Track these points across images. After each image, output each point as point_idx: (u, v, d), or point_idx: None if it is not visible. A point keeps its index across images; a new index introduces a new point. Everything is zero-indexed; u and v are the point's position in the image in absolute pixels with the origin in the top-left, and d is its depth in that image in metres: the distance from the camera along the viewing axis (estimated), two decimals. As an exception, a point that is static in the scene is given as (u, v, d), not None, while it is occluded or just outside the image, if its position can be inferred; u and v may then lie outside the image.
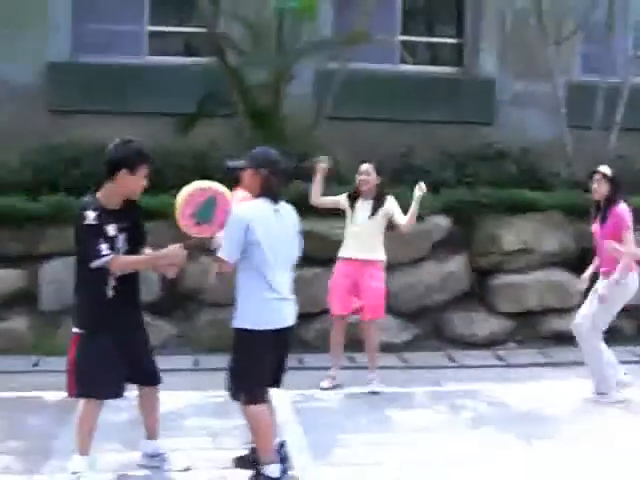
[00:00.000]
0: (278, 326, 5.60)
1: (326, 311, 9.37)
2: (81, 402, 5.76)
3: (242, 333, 5.62)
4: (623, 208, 7.75)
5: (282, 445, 5.87)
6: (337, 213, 9.37)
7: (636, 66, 11.89)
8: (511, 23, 12.64)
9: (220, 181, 5.85)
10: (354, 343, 8.56)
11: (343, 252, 8.21)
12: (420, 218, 9.75)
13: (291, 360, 8.88)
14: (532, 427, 7.05)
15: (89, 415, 5.73)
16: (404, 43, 13.05)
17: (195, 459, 6.19)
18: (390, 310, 9.69)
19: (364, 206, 8.15)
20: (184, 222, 5.61)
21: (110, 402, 5.86)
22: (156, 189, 9.38)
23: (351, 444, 6.61)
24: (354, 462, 6.15)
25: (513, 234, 10.11)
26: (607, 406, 7.71)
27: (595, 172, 7.83)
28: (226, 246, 5.52)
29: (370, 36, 10.88)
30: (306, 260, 9.41)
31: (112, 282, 5.60)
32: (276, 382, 5.87)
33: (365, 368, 8.34)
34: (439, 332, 9.99)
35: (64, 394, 6.84)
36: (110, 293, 5.61)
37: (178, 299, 9.64)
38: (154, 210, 9.20)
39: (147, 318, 9.17)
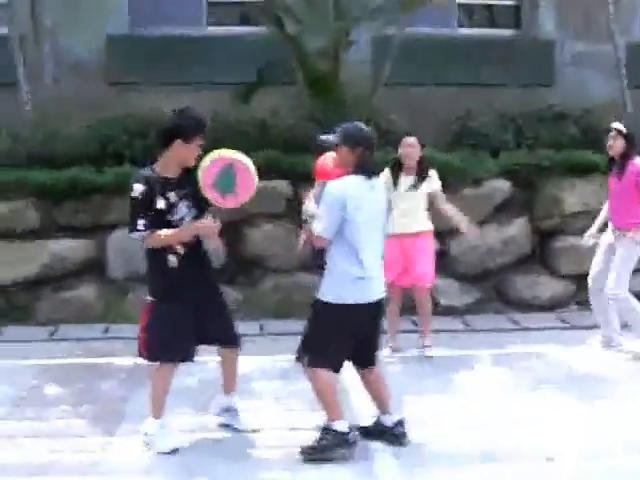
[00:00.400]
0: (362, 301, 5.61)
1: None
2: (154, 366, 5.92)
3: (323, 305, 5.65)
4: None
5: (400, 423, 5.96)
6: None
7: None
8: (569, -18, 12.55)
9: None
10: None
11: (390, 227, 8.16)
12: (479, 182, 9.82)
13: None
14: (595, 389, 7.07)
15: (161, 378, 5.88)
16: (461, 6, 13.00)
17: (263, 421, 6.35)
18: (452, 274, 9.79)
19: (407, 180, 8.04)
20: (209, 194, 5.66)
21: (181, 367, 6.00)
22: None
23: (413, 406, 6.67)
24: (416, 424, 6.22)
25: (575, 196, 10.07)
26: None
27: (610, 129, 8.06)
28: (324, 222, 5.52)
29: (428, -1, 10.84)
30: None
31: (179, 250, 5.71)
32: (367, 361, 5.92)
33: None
34: (501, 295, 10.02)
35: (134, 360, 7.07)
36: (172, 262, 5.70)
37: (242, 265, 9.78)
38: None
39: (213, 285, 9.42)
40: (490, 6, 13.55)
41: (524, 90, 11.74)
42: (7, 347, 8.60)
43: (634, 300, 8.06)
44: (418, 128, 10.35)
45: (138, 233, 5.64)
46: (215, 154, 5.72)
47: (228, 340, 6.14)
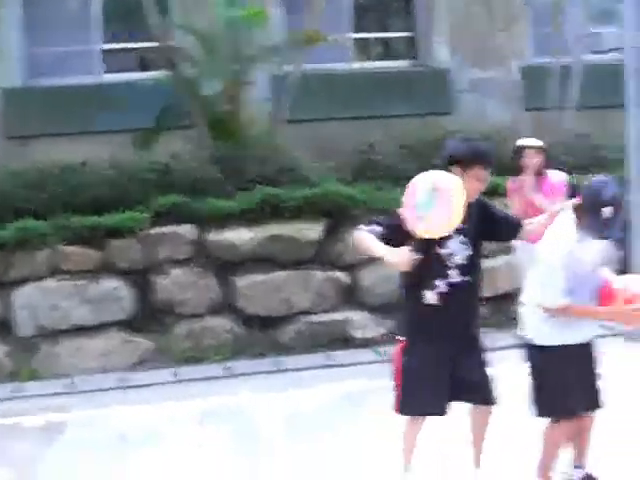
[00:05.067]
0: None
1: (301, 313, 9.49)
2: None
3: None
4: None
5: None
6: (304, 217, 9.49)
7: (586, 44, 12.06)
8: (461, 12, 12.77)
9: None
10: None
11: None
12: (386, 212, 9.84)
13: (268, 364, 9.09)
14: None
15: (409, 433, 5.45)
16: (357, 40, 13.13)
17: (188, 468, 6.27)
18: (364, 306, 9.80)
19: None
20: (409, 221, 5.01)
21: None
22: (121, 206, 9.50)
23: (331, 442, 6.68)
24: (339, 461, 6.18)
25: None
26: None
27: (525, 147, 8.33)
28: None
29: (325, 36, 10.90)
30: (276, 263, 9.58)
31: (441, 287, 5.23)
32: None
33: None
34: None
35: (45, 418, 6.95)
36: (430, 299, 5.22)
37: (153, 313, 9.63)
38: (119, 227, 9.28)
39: (124, 335, 9.33)
40: (385, 39, 13.73)
41: (424, 119, 11.88)
42: None
43: None
44: (322, 163, 10.47)
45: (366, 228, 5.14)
46: (429, 175, 5.13)
47: (485, 396, 5.45)
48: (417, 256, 4.97)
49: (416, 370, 5.25)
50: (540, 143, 8.28)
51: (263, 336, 9.59)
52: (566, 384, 5.14)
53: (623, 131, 9.72)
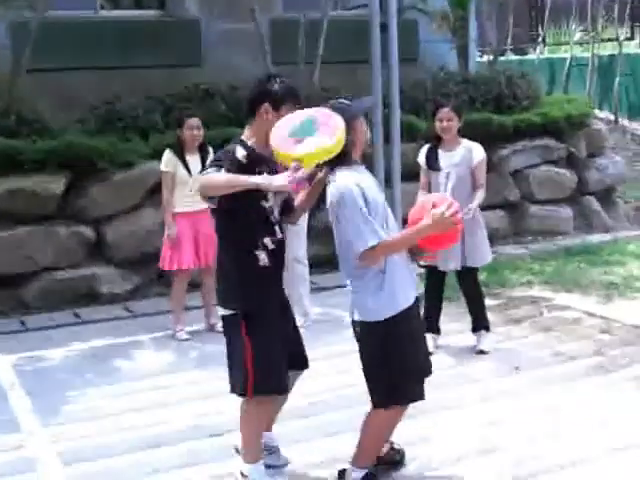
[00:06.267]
0: None
1: (45, 269, 9.19)
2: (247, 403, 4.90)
3: None
4: None
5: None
6: (45, 170, 9.16)
7: (336, 0, 12.28)
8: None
9: None
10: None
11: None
12: (132, 165, 9.67)
13: (12, 324, 8.76)
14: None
15: (265, 414, 4.91)
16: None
17: None
18: (111, 261, 9.61)
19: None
20: (283, 148, 4.46)
21: None
22: None
23: (79, 400, 6.61)
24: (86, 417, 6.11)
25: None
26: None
27: None
28: None
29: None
30: (17, 219, 9.20)
31: (269, 244, 4.73)
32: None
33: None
34: (162, 278, 9.88)
35: None
36: (264, 260, 4.72)
37: None
38: None
39: None
40: (134, -13, 13.40)
41: (172, 71, 11.68)
42: None
43: None
44: (66, 115, 10.13)
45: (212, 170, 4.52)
46: (299, 111, 4.65)
47: (303, 361, 5.11)
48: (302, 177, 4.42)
49: (267, 343, 4.72)
50: None
51: (6, 295, 9.22)
52: (415, 361, 4.78)
53: (369, 84, 10.01)
